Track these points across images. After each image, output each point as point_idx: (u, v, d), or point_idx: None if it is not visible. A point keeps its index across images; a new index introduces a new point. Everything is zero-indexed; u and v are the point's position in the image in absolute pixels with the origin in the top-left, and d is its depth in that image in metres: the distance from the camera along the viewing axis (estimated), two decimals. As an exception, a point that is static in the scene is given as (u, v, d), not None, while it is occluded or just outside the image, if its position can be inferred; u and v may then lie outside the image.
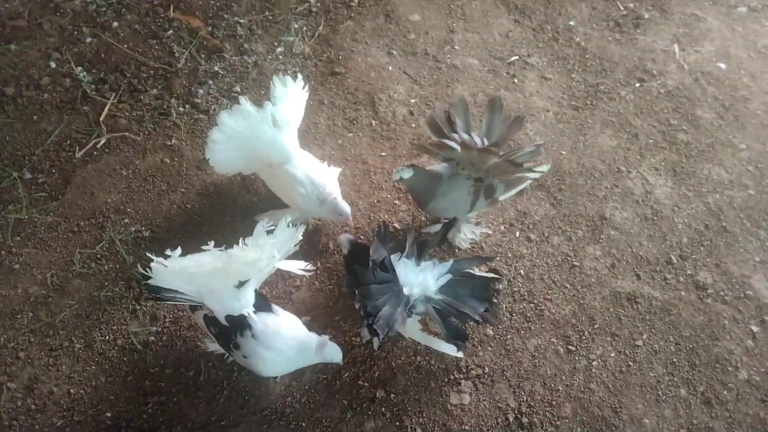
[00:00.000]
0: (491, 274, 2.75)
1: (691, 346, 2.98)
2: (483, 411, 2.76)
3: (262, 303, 2.55)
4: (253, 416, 2.68)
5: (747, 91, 4.02)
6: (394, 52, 4.05)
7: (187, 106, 3.70)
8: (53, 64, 3.82)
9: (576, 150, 3.65)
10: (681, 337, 3.01)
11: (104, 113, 3.61)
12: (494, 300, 2.67)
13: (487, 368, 2.86)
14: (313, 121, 3.65)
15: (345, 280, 2.87)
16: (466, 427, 2.70)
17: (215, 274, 2.39)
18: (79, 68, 3.80)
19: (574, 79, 4.01)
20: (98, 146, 3.49)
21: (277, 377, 2.71)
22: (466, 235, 3.15)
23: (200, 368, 2.78)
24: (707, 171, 3.63)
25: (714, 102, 3.96)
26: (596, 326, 3.01)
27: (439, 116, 2.91)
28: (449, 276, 2.65)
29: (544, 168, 3.06)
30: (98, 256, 3.09)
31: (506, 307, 3.05)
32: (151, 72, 3.85)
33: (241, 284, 2.40)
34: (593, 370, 2.88)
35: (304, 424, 2.67)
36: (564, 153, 3.63)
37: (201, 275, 2.40)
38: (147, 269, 2.40)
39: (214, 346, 2.71)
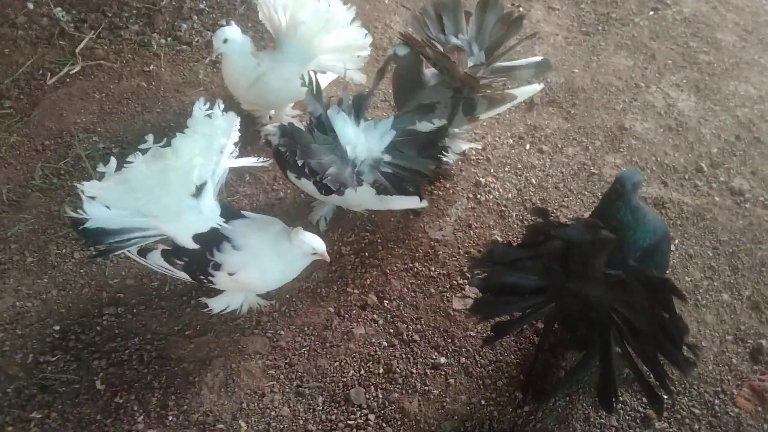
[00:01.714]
0: (436, 125, 2.32)
1: (731, 250, 2.55)
2: (492, 317, 2.31)
3: (229, 211, 2.17)
4: (224, 325, 2.27)
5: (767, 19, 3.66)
6: (390, -7, 3.76)
7: (169, 38, 3.43)
8: (31, 6, 3.56)
9: (589, 69, 3.31)
10: (719, 241, 2.58)
11: (82, 45, 3.34)
12: (443, 155, 2.34)
13: (495, 274, 2.43)
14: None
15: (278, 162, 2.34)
16: (471, 333, 2.26)
17: (165, 181, 1.98)
18: (58, 9, 3.54)
19: (583, 9, 3.70)
20: (71, 73, 3.19)
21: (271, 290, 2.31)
22: (453, 152, 2.68)
23: (166, 278, 2.37)
24: (733, 87, 3.25)
25: (735, 27, 3.61)
26: (621, 232, 2.58)
27: (428, 13, 2.57)
28: (393, 134, 2.28)
29: (535, 87, 2.64)
30: (62, 171, 2.75)
31: (516, 215, 2.64)
32: (134, 11, 3.59)
33: (199, 190, 2.02)
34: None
35: (282, 332, 2.26)
36: (576, 71, 3.29)
37: (149, 187, 1.97)
38: (78, 210, 1.96)
39: (217, 303, 2.27)
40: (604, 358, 1.76)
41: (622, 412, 2.10)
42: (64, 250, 2.50)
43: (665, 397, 1.95)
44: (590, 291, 1.78)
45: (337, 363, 2.20)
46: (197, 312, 2.31)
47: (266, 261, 2.10)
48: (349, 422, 2.06)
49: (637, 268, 1.71)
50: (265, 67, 2.64)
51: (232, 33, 2.59)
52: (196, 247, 2.06)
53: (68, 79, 3.18)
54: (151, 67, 3.24)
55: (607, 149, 2.91)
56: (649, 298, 1.62)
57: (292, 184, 2.39)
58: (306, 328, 2.28)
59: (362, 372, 2.18)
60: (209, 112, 2.08)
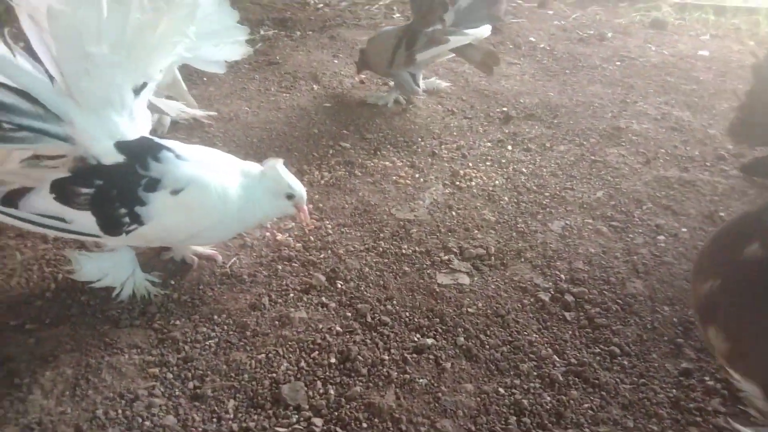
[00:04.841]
0: None
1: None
2: (496, 292, 1.52)
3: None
4: (88, 317, 1.42)
5: (738, 65, 3.39)
6: (341, 56, 3.40)
7: None
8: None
9: (565, 93, 2.87)
10: None
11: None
12: None
13: (492, 249, 1.69)
14: (241, 86, 2.84)
15: None
16: (470, 310, 1.45)
17: (138, 27, 1.27)
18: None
19: (545, 64, 3.37)
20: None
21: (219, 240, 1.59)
22: (411, 84, 2.52)
23: (15, 269, 1.56)
24: (728, 105, 2.80)
25: (708, 71, 3.31)
26: (645, 207, 1.91)
27: None
28: None
29: (464, 39, 2.41)
30: None
31: (509, 198, 1.96)
32: None
33: (143, 85, 1.41)
34: (660, 245, 1.72)
35: (178, 323, 1.41)
36: (552, 94, 2.84)
37: (106, 25, 1.25)
38: None
39: (88, 264, 1.45)
40: None
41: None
42: None
43: None
44: None
45: (263, 356, 1.34)
46: (55, 302, 1.46)
47: (226, 180, 1.38)
48: (279, 429, 1.15)
49: None
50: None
51: None
52: (120, 159, 1.31)
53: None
54: None
55: (606, 144, 2.35)
56: None
57: None
58: (216, 316, 1.44)
59: (302, 364, 1.31)
60: None
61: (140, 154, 1.34)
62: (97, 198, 1.32)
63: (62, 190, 1.32)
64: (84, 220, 1.33)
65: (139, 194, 1.32)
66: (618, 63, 3.35)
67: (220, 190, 1.39)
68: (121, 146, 1.34)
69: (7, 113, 1.22)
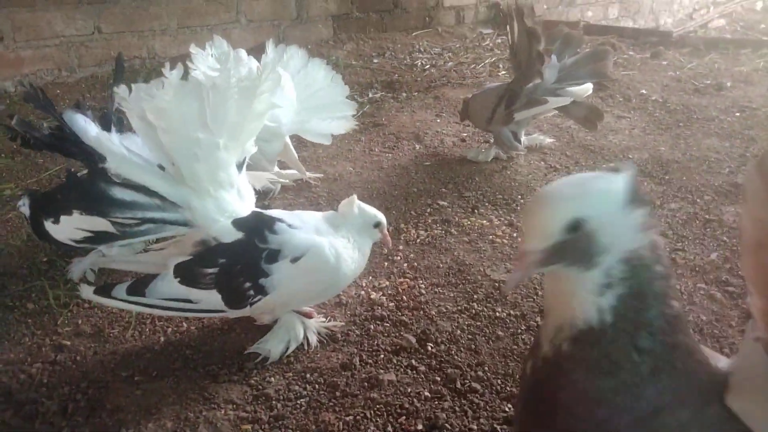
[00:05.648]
0: None
1: None
2: (595, 361, 1.43)
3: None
4: (191, 371, 1.49)
5: None
6: (444, 115, 3.46)
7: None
8: None
9: (677, 147, 2.73)
10: None
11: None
12: None
13: (592, 314, 1.59)
14: (347, 148, 2.95)
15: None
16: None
17: (236, 112, 1.38)
18: None
19: (657, 117, 3.23)
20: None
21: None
22: (511, 141, 2.56)
23: (129, 323, 1.68)
24: None
25: None
26: (770, 271, 1.74)
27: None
28: None
29: (565, 99, 2.38)
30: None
31: (612, 260, 1.86)
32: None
33: (244, 160, 1.53)
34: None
35: (273, 380, 1.45)
36: (663, 149, 2.71)
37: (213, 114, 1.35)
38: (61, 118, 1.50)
39: (272, 342, 1.54)
40: None
41: None
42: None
43: None
44: None
45: (351, 417, 1.33)
46: (162, 355, 1.55)
47: (333, 239, 1.46)
48: (361, 496, 1.13)
49: None
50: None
51: None
52: (239, 235, 1.39)
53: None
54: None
55: (722, 202, 2.19)
56: None
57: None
58: (308, 375, 1.46)
59: (389, 429, 1.29)
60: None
61: (257, 228, 1.41)
62: (222, 276, 1.37)
63: (186, 273, 1.38)
64: (210, 299, 1.39)
65: (261, 267, 1.38)
66: (737, 114, 3.15)
67: (333, 250, 1.44)
68: (238, 223, 1.41)
69: (130, 210, 1.32)
